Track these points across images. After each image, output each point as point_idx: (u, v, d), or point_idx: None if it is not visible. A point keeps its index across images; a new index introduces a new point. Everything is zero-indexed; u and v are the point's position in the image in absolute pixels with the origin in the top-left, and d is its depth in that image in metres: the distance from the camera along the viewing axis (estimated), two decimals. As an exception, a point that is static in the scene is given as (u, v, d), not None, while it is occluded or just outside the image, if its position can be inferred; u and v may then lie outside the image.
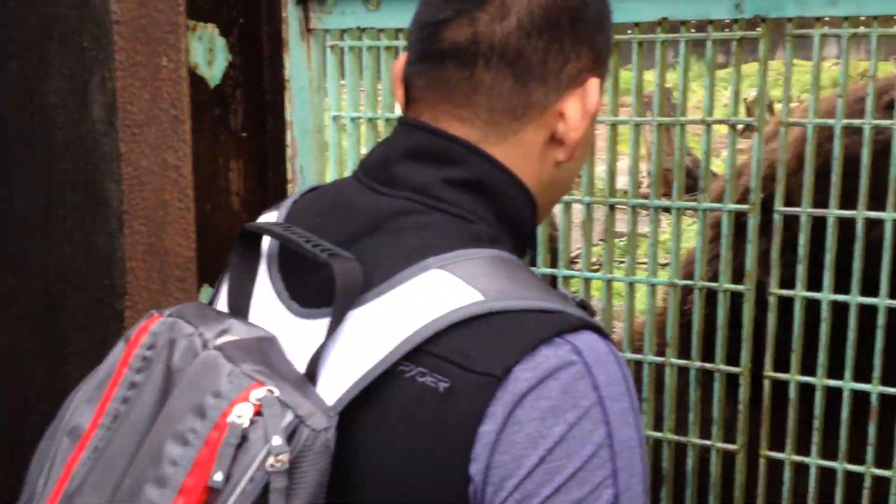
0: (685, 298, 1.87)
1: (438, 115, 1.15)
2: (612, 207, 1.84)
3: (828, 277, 1.64)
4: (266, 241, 1.22)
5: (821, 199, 1.63)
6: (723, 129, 1.72)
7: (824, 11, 1.54)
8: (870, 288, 1.62)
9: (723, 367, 1.76)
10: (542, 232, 1.89)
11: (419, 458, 1.00)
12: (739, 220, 1.74)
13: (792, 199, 1.66)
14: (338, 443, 1.00)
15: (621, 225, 3.71)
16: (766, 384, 1.72)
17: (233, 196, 2.29)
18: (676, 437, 1.82)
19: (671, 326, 1.81)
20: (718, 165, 8.00)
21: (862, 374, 1.64)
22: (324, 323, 1.06)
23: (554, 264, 1.92)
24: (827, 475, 1.69)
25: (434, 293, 1.03)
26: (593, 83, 1.15)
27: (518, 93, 1.12)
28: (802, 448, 1.71)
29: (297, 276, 1.16)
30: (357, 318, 1.05)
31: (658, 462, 1.85)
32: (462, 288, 1.02)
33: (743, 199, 1.77)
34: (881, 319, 1.60)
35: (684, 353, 1.82)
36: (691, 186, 4.60)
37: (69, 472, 1.09)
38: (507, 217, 1.16)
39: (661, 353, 1.84)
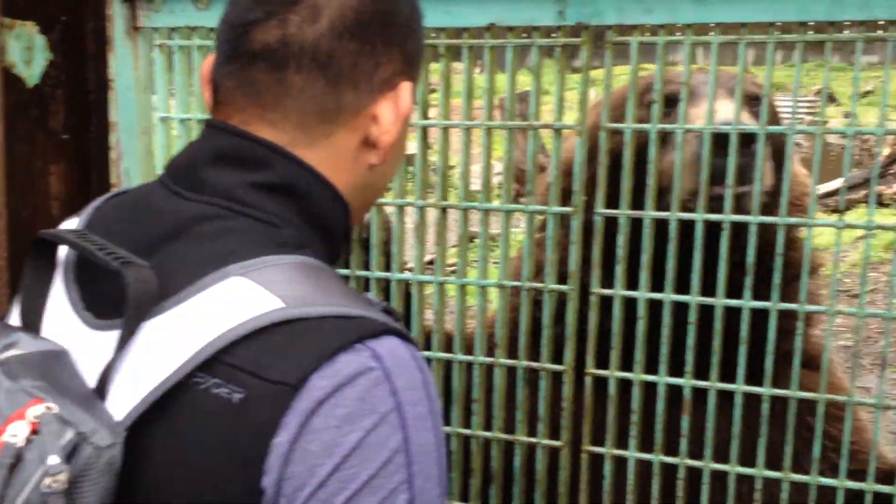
0: (514, 299, 1.91)
1: (248, 118, 1.14)
2: (443, 210, 1.87)
3: (644, 277, 1.71)
4: (63, 250, 1.17)
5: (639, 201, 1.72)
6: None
7: (641, 19, 1.62)
8: (684, 286, 1.70)
9: (548, 365, 1.80)
10: (375, 236, 1.89)
11: (211, 472, 0.98)
12: (564, 222, 1.80)
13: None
14: (127, 459, 0.97)
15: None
16: (588, 381, 1.78)
17: (52, 201, 2.18)
18: (505, 436, 1.85)
19: (500, 327, 1.84)
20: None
21: (677, 369, 1.72)
22: (118, 334, 1.03)
23: (388, 268, 1.92)
24: (645, 467, 1.75)
25: (233, 301, 1.01)
26: (406, 87, 1.17)
27: (329, 96, 1.12)
28: (623, 442, 1.77)
29: (94, 285, 1.12)
30: (154, 327, 1.02)
31: (488, 461, 1.87)
32: (262, 295, 1.01)
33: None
34: (692, 316, 1.68)
35: (514, 353, 1.85)
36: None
37: None
38: (317, 221, 1.15)
39: (491, 353, 1.87)
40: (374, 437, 0.98)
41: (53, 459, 0.92)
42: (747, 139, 1.66)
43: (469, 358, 1.86)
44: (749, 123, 1.77)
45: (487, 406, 1.87)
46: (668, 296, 1.70)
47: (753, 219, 1.62)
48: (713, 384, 1.69)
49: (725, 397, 1.70)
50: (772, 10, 1.49)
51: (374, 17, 1.14)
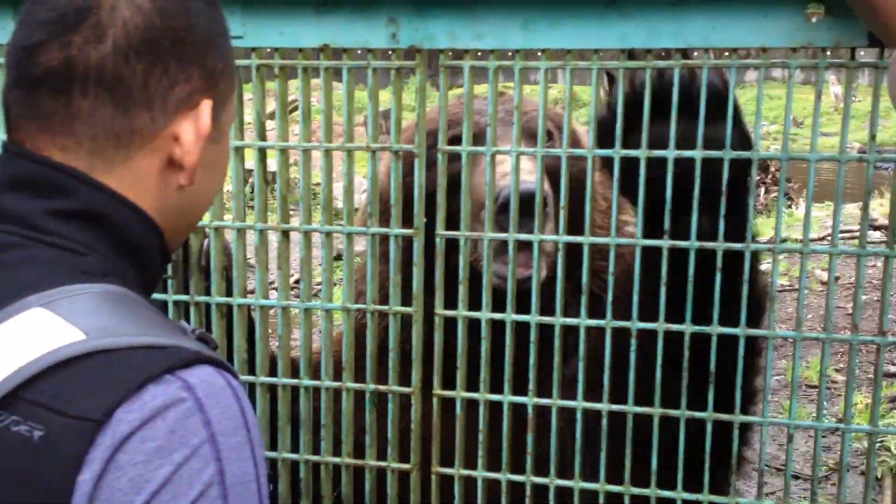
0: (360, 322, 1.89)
1: (39, 144, 1.08)
2: (285, 234, 1.82)
3: (486, 297, 1.71)
4: None
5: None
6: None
7: (473, 44, 1.60)
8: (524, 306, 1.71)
9: (395, 388, 1.79)
10: (215, 260, 1.84)
11: None
12: (406, 244, 1.78)
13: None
14: None
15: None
16: (435, 402, 1.77)
17: None
18: (354, 461, 1.83)
19: (346, 350, 1.81)
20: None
21: (520, 388, 1.73)
22: None
23: (229, 293, 1.87)
24: (493, 486, 1.76)
25: (32, 334, 0.96)
26: (206, 105, 1.13)
27: (120, 119, 1.08)
28: (471, 462, 1.77)
29: None
30: None
31: (338, 487, 1.85)
32: (63, 327, 0.97)
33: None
34: (533, 335, 1.69)
35: (361, 376, 1.83)
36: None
37: None
38: (125, 248, 1.11)
39: (338, 377, 1.84)
40: (185, 470, 0.94)
41: None
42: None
43: (316, 383, 1.83)
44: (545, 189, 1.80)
45: (336, 431, 1.85)
46: (510, 315, 1.70)
47: (584, 239, 1.63)
48: (555, 402, 1.70)
49: (568, 414, 1.72)
50: (594, 38, 1.50)
51: (164, 35, 1.09)
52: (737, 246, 1.54)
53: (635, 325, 1.62)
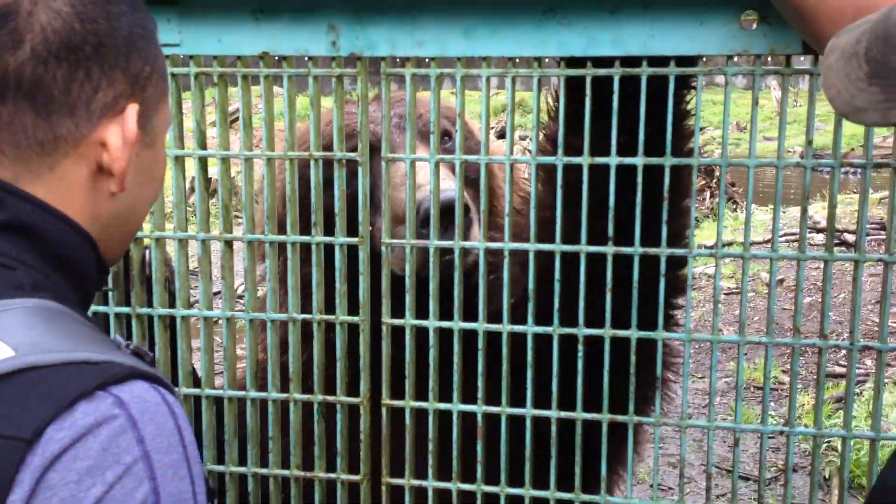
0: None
1: None
2: (228, 244, 1.80)
3: (433, 305, 1.70)
4: None
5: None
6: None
7: (413, 52, 1.60)
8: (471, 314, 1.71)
9: (344, 398, 1.77)
10: (157, 272, 1.80)
11: None
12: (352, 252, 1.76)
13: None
14: None
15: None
16: (385, 412, 1.75)
17: None
18: (303, 473, 1.80)
19: (293, 361, 1.79)
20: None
21: (470, 396, 1.73)
22: None
23: (172, 305, 1.84)
24: (444, 496, 1.75)
25: None
26: (132, 109, 1.10)
27: (42, 126, 1.05)
28: (421, 472, 1.76)
29: None
30: None
31: (287, 500, 1.82)
32: None
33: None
34: (481, 343, 1.69)
35: (309, 387, 1.81)
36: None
37: None
38: (57, 259, 1.08)
39: (285, 388, 1.82)
40: (118, 490, 0.92)
41: None
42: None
43: (263, 395, 1.80)
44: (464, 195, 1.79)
45: (284, 443, 1.82)
46: (457, 324, 1.70)
47: (531, 246, 1.63)
48: (504, 409, 1.70)
49: (517, 422, 1.71)
50: (534, 46, 1.51)
51: (84, 40, 1.06)
52: (680, 252, 1.56)
53: (582, 331, 1.62)
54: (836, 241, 1.55)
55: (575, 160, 1.56)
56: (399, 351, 1.74)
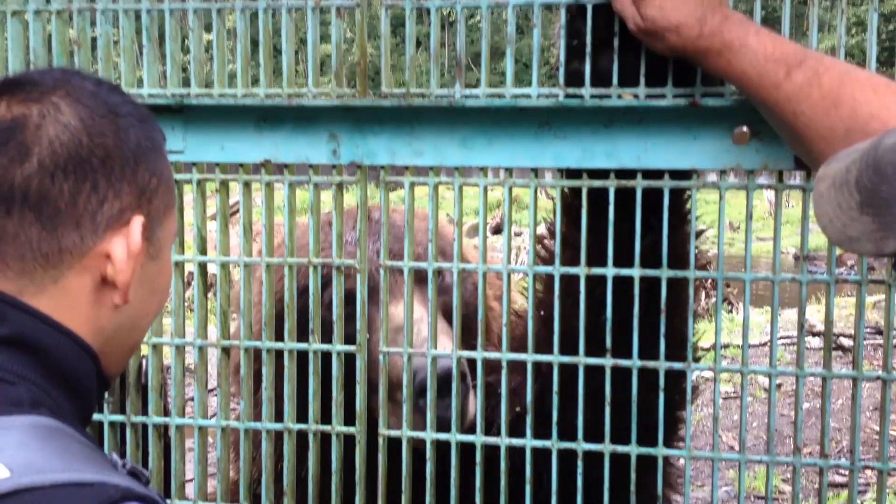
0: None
1: None
2: (225, 350, 1.78)
3: (430, 416, 1.68)
4: None
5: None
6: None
7: (412, 161, 1.62)
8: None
9: (339, 513, 1.73)
10: (153, 379, 1.79)
11: None
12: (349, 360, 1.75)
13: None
14: None
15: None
16: (379, 525, 1.71)
17: None
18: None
19: (288, 473, 1.76)
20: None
21: None
22: None
23: (166, 412, 1.82)
24: None
25: None
26: (137, 222, 1.10)
27: (48, 238, 1.05)
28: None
29: None
30: None
31: None
32: None
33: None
34: (478, 457, 1.66)
35: (303, 500, 1.77)
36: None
37: None
38: (58, 374, 1.07)
39: (279, 500, 1.78)
40: None
41: None
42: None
43: (256, 509, 1.77)
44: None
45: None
46: (455, 436, 1.67)
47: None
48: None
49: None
50: (530, 157, 1.54)
51: (92, 153, 1.07)
52: (678, 365, 1.55)
53: (581, 446, 1.60)
54: (833, 345, 1.55)
55: (572, 270, 1.57)
56: (395, 465, 1.71)
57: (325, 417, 1.75)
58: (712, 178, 1.55)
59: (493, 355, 1.65)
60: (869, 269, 1.47)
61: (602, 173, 1.54)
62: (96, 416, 1.78)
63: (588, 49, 1.50)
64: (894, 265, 1.04)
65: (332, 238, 1.71)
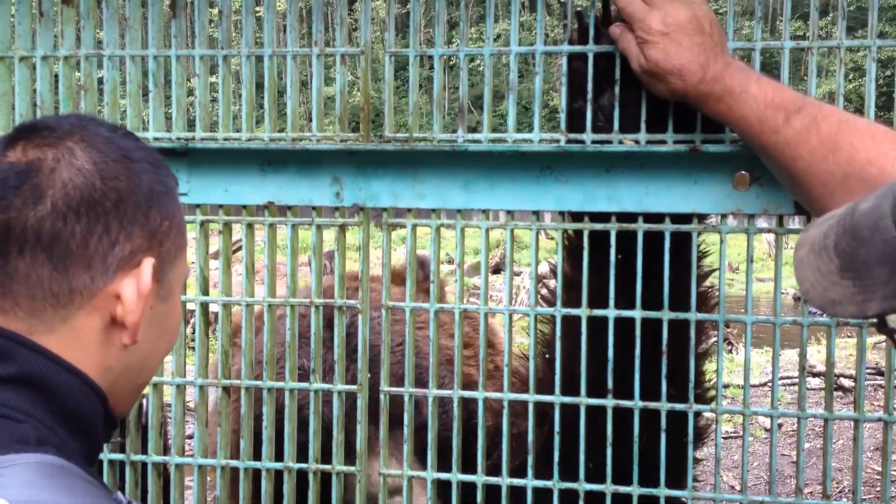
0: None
1: None
2: (226, 390, 1.79)
3: (430, 457, 1.68)
4: None
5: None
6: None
7: (414, 203, 1.64)
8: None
9: (337, 554, 1.72)
10: (153, 417, 1.79)
11: None
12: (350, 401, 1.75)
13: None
14: None
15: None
16: (380, 568, 1.70)
17: None
18: None
19: (288, 513, 1.75)
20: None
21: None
22: None
23: (166, 451, 1.81)
24: None
25: None
26: (147, 263, 1.12)
27: (58, 279, 1.07)
28: None
29: None
30: None
31: None
32: None
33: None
34: (479, 496, 1.65)
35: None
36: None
37: None
38: (66, 413, 1.07)
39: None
40: None
41: None
42: None
43: (254, 550, 1.76)
44: None
45: None
46: (455, 476, 1.67)
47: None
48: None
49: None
50: (532, 200, 1.55)
51: (105, 196, 1.09)
52: (679, 406, 1.55)
53: (582, 486, 1.60)
54: (833, 385, 1.55)
55: (574, 311, 1.58)
56: None
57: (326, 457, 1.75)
58: (713, 220, 1.56)
59: (494, 395, 1.65)
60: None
61: (604, 216, 1.55)
62: (96, 455, 1.78)
63: (589, 95, 1.52)
64: (877, 326, 1.04)
65: (335, 277, 1.72)
